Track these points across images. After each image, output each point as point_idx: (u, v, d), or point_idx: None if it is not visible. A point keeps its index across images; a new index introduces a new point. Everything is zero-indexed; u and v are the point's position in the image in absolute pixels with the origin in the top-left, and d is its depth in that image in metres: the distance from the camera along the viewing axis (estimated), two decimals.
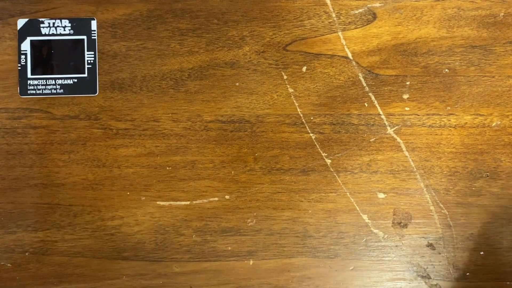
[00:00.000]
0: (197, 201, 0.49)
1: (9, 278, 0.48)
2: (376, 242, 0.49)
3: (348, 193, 0.49)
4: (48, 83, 0.48)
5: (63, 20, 0.48)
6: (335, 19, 0.49)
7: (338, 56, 0.49)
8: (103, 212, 0.48)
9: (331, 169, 0.49)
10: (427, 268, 0.49)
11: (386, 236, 0.49)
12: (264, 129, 0.49)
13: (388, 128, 0.49)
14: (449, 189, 0.49)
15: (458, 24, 0.49)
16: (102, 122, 0.49)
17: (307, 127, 0.49)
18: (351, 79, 0.49)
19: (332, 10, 0.49)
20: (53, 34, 0.48)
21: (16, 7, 0.49)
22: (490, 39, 0.49)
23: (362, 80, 0.49)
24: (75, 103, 0.49)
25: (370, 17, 0.49)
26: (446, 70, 0.49)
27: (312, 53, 0.49)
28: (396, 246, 0.49)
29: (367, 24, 0.49)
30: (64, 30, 0.48)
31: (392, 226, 0.49)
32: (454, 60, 0.49)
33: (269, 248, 0.49)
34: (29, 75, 0.48)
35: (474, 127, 0.49)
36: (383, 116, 0.49)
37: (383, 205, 0.49)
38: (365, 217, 0.49)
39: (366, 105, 0.49)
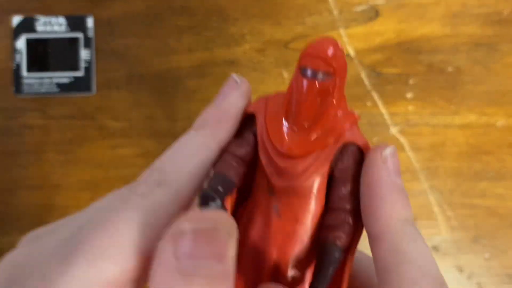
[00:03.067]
0: None
1: None
2: None
3: None
4: (43, 82, 0.47)
5: (59, 18, 0.48)
6: (337, 16, 0.48)
7: None
8: None
9: None
10: None
11: None
12: None
13: (391, 127, 0.48)
14: (453, 190, 0.48)
15: (462, 22, 0.48)
16: (99, 122, 0.48)
17: None
18: (353, 78, 0.48)
19: (333, 7, 0.48)
20: (48, 32, 0.48)
21: (11, 4, 0.48)
22: (495, 37, 0.48)
23: (365, 78, 0.48)
24: (71, 102, 0.48)
25: (373, 14, 0.48)
26: (450, 68, 0.48)
27: None
28: None
29: (369, 22, 0.48)
30: (60, 27, 0.48)
31: None
32: (458, 58, 0.48)
33: None
34: (24, 74, 0.47)
35: (479, 127, 0.48)
36: (386, 116, 0.48)
37: None
38: None
39: (369, 104, 0.48)
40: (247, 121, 0.20)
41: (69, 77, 0.48)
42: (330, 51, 0.18)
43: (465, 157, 0.48)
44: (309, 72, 0.18)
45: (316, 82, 0.18)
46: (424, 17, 0.48)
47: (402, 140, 0.48)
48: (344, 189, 0.19)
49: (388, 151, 0.18)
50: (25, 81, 0.47)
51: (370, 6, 0.48)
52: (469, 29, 0.48)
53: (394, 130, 0.48)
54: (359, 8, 0.48)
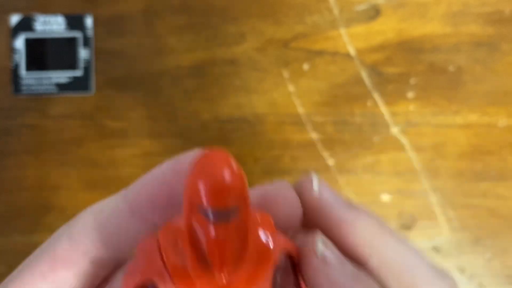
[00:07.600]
0: None
1: None
2: None
3: (351, 195, 0.48)
4: (42, 81, 0.47)
5: (57, 17, 0.47)
6: (337, 15, 0.48)
7: (341, 53, 0.48)
8: None
9: (334, 170, 0.48)
10: None
11: None
12: (264, 129, 0.48)
13: (392, 127, 0.48)
14: (454, 190, 0.48)
15: (463, 21, 0.48)
16: (98, 122, 0.48)
17: (308, 127, 0.48)
18: (354, 77, 0.48)
19: (334, 6, 0.48)
20: (47, 31, 0.47)
21: (10, 3, 0.48)
22: (496, 36, 0.48)
23: (365, 78, 0.48)
24: (70, 102, 0.48)
25: (374, 13, 0.48)
26: (452, 68, 0.48)
27: (314, 51, 0.48)
28: None
29: (370, 21, 0.48)
30: (59, 27, 0.47)
31: (396, 228, 0.48)
32: (459, 57, 0.48)
33: None
34: (23, 74, 0.47)
35: (480, 127, 0.48)
36: (387, 115, 0.48)
37: (387, 207, 0.48)
38: None
39: (370, 103, 0.48)
40: None
41: (68, 77, 0.47)
42: (228, 176, 0.13)
43: (467, 157, 0.48)
44: (214, 215, 0.13)
45: (229, 224, 0.13)
46: (425, 16, 0.48)
47: (403, 140, 0.48)
48: None
49: (319, 244, 0.14)
50: (24, 80, 0.47)
51: (371, 5, 0.48)
52: (470, 29, 0.48)
53: (395, 130, 0.48)
54: (360, 7, 0.48)
